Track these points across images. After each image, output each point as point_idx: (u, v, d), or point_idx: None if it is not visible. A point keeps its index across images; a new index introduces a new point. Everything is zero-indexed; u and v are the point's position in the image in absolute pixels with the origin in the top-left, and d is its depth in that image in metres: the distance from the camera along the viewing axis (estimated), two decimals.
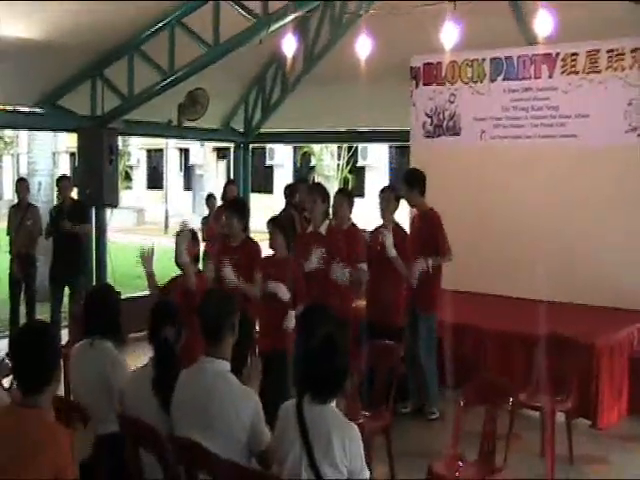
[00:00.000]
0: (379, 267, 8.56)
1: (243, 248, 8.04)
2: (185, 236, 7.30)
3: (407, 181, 8.98)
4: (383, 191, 9.04)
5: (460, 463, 5.90)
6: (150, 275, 7.56)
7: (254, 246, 8.17)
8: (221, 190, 13.06)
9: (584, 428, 8.35)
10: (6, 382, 5.69)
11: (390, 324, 8.47)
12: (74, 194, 12.05)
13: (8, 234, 11.91)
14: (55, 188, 13.06)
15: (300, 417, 4.32)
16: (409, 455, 7.43)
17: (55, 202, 12.35)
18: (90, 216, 11.81)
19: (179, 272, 7.43)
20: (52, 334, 4.05)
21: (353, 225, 8.76)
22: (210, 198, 13.73)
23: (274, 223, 7.91)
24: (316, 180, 25.61)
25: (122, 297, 11.45)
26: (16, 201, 12.25)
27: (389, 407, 6.94)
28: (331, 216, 8.68)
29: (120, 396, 5.23)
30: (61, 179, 12.18)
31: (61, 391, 5.63)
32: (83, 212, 11.66)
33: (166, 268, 8.11)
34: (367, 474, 4.39)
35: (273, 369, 7.58)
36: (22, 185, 12.32)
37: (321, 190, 8.73)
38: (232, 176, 16.77)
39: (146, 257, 7.48)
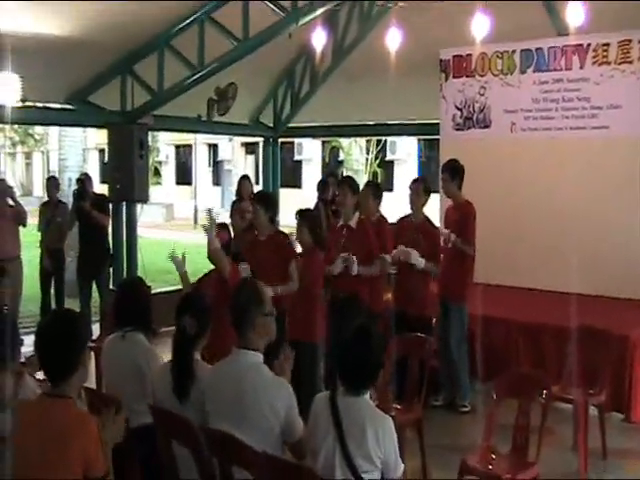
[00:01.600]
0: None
1: (272, 241, 8.02)
2: (213, 222, 7.29)
3: (448, 171, 8.98)
4: (413, 183, 9.04)
5: (493, 456, 5.88)
6: (184, 276, 7.59)
7: (284, 238, 8.15)
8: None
9: (617, 422, 8.30)
10: (40, 375, 5.71)
11: (420, 315, 8.52)
12: (104, 189, 12.16)
13: (39, 230, 12.24)
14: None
15: (334, 409, 4.32)
16: (441, 448, 7.43)
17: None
18: (109, 211, 11.91)
19: (211, 267, 7.42)
20: (75, 321, 4.05)
21: (381, 217, 8.78)
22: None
23: (301, 215, 7.93)
24: (345, 174, 25.63)
25: (153, 292, 11.65)
26: (46, 198, 12.65)
27: (421, 400, 6.93)
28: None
29: (154, 388, 5.24)
30: (49, 179, 12.86)
31: (93, 384, 5.66)
32: (104, 205, 11.77)
33: (197, 263, 8.12)
34: (401, 467, 4.39)
35: (304, 359, 7.59)
36: (52, 183, 12.69)
37: (351, 183, 8.73)
38: (261, 171, 16.76)
39: (176, 259, 7.52)
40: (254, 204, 8.09)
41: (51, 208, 12.25)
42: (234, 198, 12.49)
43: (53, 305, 12.08)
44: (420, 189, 8.85)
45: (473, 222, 8.76)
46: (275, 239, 8.01)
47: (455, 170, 8.97)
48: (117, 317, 5.87)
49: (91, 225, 11.50)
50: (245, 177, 13.26)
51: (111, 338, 5.86)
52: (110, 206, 12.02)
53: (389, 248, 8.54)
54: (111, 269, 12.11)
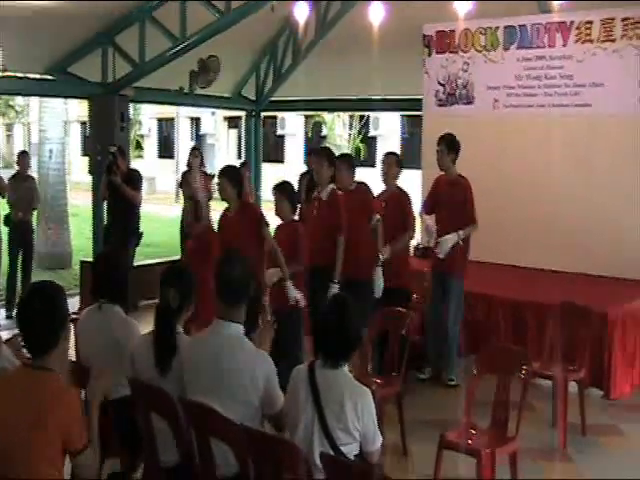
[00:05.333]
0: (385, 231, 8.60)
1: (242, 214, 7.93)
2: (197, 158, 7.34)
3: (446, 144, 8.96)
4: (386, 156, 9.15)
5: (473, 431, 5.89)
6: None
7: (254, 209, 8.18)
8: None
9: (596, 398, 8.33)
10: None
11: (399, 287, 8.56)
12: (86, 161, 12.13)
13: (8, 202, 12.25)
14: (66, 156, 13.12)
15: (312, 381, 4.31)
16: (422, 422, 7.43)
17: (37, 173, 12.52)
18: (140, 185, 11.79)
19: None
20: (56, 293, 4.01)
21: (359, 184, 8.76)
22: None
23: (279, 189, 7.91)
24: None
25: (136, 264, 11.63)
26: (15, 172, 12.60)
27: (401, 374, 6.92)
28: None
29: (132, 360, 5.21)
30: (20, 154, 12.83)
31: (73, 356, 5.62)
32: (134, 180, 11.62)
33: (177, 238, 8.11)
34: (380, 439, 4.38)
35: (285, 327, 7.65)
36: (24, 158, 12.62)
37: (328, 154, 8.74)
38: (244, 145, 16.72)
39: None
40: (220, 179, 7.99)
41: (20, 181, 12.26)
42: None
43: (20, 278, 12.20)
44: (392, 162, 8.94)
45: (472, 199, 8.86)
46: (245, 212, 7.96)
47: (451, 143, 8.96)
48: (94, 289, 5.82)
49: (121, 200, 11.38)
50: (196, 148, 13.40)
51: (88, 310, 5.79)
52: (142, 182, 11.90)
53: (376, 208, 8.63)
54: (137, 248, 12.03)
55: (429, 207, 9.17)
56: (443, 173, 9.08)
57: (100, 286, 5.73)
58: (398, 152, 10.49)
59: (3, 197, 12.02)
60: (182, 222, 12.34)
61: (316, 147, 14.18)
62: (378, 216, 8.54)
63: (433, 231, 9.02)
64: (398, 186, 8.99)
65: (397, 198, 8.89)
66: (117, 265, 5.94)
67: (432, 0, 11.04)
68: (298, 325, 7.66)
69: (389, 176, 8.93)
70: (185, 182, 12.13)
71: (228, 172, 7.99)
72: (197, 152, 13.20)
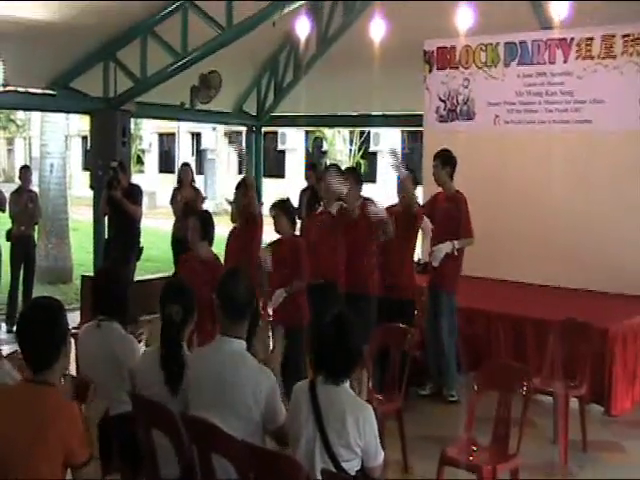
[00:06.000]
0: (392, 244, 8.58)
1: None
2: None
3: (441, 159, 8.96)
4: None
5: (474, 448, 5.88)
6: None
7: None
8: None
9: (597, 415, 8.31)
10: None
11: (404, 299, 8.56)
12: (87, 176, 12.16)
13: (10, 217, 12.25)
14: (67, 170, 13.15)
15: (313, 397, 4.30)
16: (423, 438, 7.43)
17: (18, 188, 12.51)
18: (141, 200, 11.76)
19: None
20: (57, 310, 4.01)
21: (365, 199, 8.79)
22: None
23: (277, 206, 7.96)
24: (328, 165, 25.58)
25: (136, 280, 11.62)
26: (17, 187, 12.59)
27: (402, 390, 6.92)
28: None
29: (131, 376, 5.20)
30: (22, 169, 12.80)
31: (74, 371, 5.62)
32: (135, 194, 11.59)
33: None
34: (382, 455, 4.37)
35: (291, 343, 7.71)
36: (26, 172, 12.62)
37: (339, 171, 8.77)
38: (245, 160, 16.78)
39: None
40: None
41: (23, 196, 12.26)
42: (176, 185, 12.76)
43: (21, 292, 12.20)
44: (410, 180, 8.83)
45: (468, 213, 8.83)
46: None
47: (446, 159, 8.96)
48: (94, 305, 5.81)
49: (121, 215, 11.36)
50: (186, 164, 13.47)
51: (86, 327, 5.78)
52: (143, 197, 11.89)
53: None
54: (137, 262, 12.02)
55: None
56: (441, 189, 9.09)
57: (99, 302, 5.73)
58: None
59: (3, 211, 12.04)
60: (173, 236, 12.43)
61: (313, 166, 14.16)
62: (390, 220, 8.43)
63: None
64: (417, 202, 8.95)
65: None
66: (116, 281, 5.91)
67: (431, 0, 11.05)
68: (301, 342, 7.68)
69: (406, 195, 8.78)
70: (175, 198, 12.31)
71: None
72: (187, 168, 13.24)
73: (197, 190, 12.94)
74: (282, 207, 7.95)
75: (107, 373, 5.41)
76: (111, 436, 5.00)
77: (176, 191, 12.68)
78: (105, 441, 5.09)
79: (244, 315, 4.69)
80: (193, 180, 12.98)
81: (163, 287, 5.35)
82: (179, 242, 11.22)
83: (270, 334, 8.31)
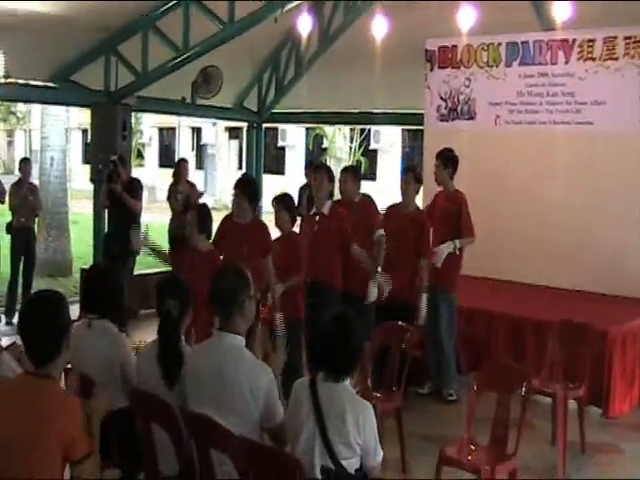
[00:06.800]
0: (392, 245, 8.55)
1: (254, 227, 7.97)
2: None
3: (443, 159, 8.96)
4: (405, 172, 9.05)
5: (472, 448, 5.87)
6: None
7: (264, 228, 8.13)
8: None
9: (596, 416, 8.30)
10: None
11: (406, 301, 8.48)
12: (87, 170, 12.16)
13: (10, 209, 12.23)
14: (68, 163, 13.13)
15: (314, 395, 4.29)
16: (422, 438, 7.44)
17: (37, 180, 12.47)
18: (141, 194, 11.72)
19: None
20: (60, 303, 4.00)
21: (364, 196, 8.77)
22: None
23: (279, 201, 7.95)
24: (328, 162, 25.66)
25: (136, 273, 11.61)
26: (17, 179, 12.55)
27: (401, 389, 6.91)
28: (339, 195, 8.75)
29: (130, 372, 5.19)
30: (22, 161, 12.75)
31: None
32: (135, 188, 11.56)
33: None
34: (381, 454, 4.37)
35: (290, 339, 7.68)
36: (27, 165, 12.59)
37: (327, 170, 8.71)
38: (245, 156, 16.76)
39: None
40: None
41: (23, 188, 12.24)
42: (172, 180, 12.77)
43: (21, 284, 12.19)
44: (411, 178, 8.81)
45: (468, 212, 8.83)
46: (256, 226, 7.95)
47: (448, 158, 8.96)
48: (84, 304, 5.75)
49: (121, 209, 11.33)
50: (184, 160, 13.48)
51: (78, 325, 5.67)
52: (143, 191, 11.86)
53: (377, 224, 8.57)
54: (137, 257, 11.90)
55: None
56: (442, 188, 9.08)
57: (89, 301, 5.67)
58: (400, 166, 10.45)
59: (2, 203, 12.03)
60: (170, 231, 12.41)
61: (317, 162, 14.18)
62: (382, 231, 8.50)
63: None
64: (417, 206, 8.95)
65: (418, 221, 8.73)
66: (107, 279, 5.77)
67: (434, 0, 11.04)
68: (300, 337, 7.71)
69: (408, 194, 8.78)
70: (172, 194, 12.29)
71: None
72: (184, 163, 13.28)
73: (193, 185, 13.01)
74: (283, 202, 7.95)
75: (99, 372, 5.35)
76: (110, 432, 4.98)
77: (172, 187, 12.68)
78: (104, 437, 5.07)
79: (237, 311, 4.60)
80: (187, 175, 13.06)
81: (159, 282, 5.34)
82: (178, 239, 11.15)
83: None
